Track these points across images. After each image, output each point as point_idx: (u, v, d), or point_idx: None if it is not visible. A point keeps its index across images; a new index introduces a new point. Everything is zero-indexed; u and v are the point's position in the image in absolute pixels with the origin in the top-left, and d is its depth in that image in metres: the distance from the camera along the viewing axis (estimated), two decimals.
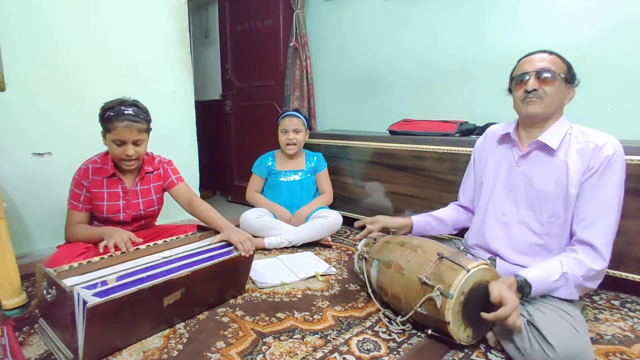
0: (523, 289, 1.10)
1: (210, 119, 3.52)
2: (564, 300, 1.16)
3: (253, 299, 1.52)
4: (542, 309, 1.12)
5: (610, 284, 1.55)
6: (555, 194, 1.22)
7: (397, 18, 2.51)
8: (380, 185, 2.26)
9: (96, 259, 1.30)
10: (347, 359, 1.15)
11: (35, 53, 1.84)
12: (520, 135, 1.34)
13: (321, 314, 1.41)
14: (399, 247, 1.35)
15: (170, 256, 1.37)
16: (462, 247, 1.36)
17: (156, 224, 1.84)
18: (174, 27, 2.33)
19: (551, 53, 1.24)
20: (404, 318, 1.26)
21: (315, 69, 2.95)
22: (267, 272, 1.73)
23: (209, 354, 1.16)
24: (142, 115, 1.52)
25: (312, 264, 1.83)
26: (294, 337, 1.26)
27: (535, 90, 1.21)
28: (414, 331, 1.29)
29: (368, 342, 1.23)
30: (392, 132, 2.27)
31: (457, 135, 2.02)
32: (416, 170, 2.08)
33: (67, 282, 1.12)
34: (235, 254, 1.43)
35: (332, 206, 2.36)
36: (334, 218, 2.15)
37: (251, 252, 1.45)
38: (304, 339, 1.24)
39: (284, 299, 1.52)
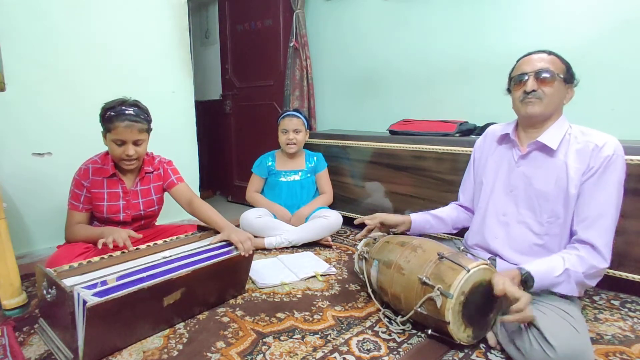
0: (526, 283, 1.10)
1: (210, 119, 3.52)
2: (564, 300, 1.16)
3: (253, 299, 1.52)
4: (542, 309, 1.12)
5: (610, 284, 1.55)
6: (555, 194, 1.22)
7: (397, 18, 2.51)
8: (380, 185, 2.26)
9: (96, 259, 1.30)
10: (347, 359, 1.15)
11: (35, 53, 1.84)
12: (519, 136, 1.34)
13: (321, 314, 1.41)
14: (399, 247, 1.35)
15: (170, 256, 1.37)
16: (462, 247, 1.37)
17: (156, 224, 1.84)
18: (174, 27, 2.33)
19: (550, 53, 1.24)
20: (404, 318, 1.26)
21: (315, 69, 2.95)
22: (267, 272, 1.73)
23: (209, 354, 1.16)
24: (142, 115, 1.52)
25: (312, 264, 1.83)
26: (294, 337, 1.26)
27: (534, 90, 1.20)
28: (414, 331, 1.28)
29: (368, 342, 1.23)
30: (392, 132, 2.27)
31: (457, 135, 2.02)
32: (416, 170, 2.08)
33: (67, 282, 1.12)
34: (235, 253, 1.43)
35: (332, 206, 2.36)
36: (334, 218, 2.15)
37: (251, 252, 1.45)
38: (304, 339, 1.24)
39: (284, 299, 1.52)
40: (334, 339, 1.25)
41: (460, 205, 1.59)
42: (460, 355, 1.17)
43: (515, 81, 1.27)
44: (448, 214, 1.58)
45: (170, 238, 1.53)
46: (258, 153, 2.42)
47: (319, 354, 1.16)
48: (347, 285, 1.65)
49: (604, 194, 1.15)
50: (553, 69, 1.20)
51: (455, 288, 1.09)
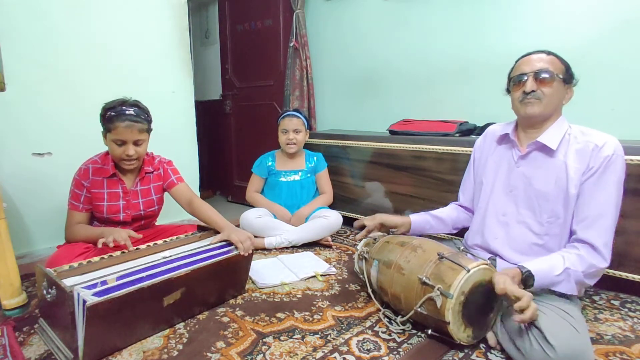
0: (527, 281, 1.10)
1: (210, 119, 3.52)
2: (564, 300, 1.16)
3: (253, 299, 1.52)
4: (542, 308, 1.12)
5: (610, 284, 1.55)
6: (555, 194, 1.22)
7: (397, 18, 2.51)
8: (380, 185, 2.26)
9: (96, 259, 1.30)
10: (347, 359, 1.15)
11: (35, 53, 1.84)
12: (519, 136, 1.34)
13: (321, 314, 1.41)
14: (399, 247, 1.35)
15: (170, 256, 1.37)
16: (462, 247, 1.36)
17: (156, 224, 1.84)
18: (174, 27, 2.33)
19: (549, 53, 1.24)
20: (404, 318, 1.26)
21: (315, 69, 2.95)
22: (267, 272, 1.73)
23: (209, 354, 1.16)
24: (143, 115, 1.52)
25: (312, 264, 1.83)
26: (294, 337, 1.26)
27: (533, 91, 1.20)
28: (414, 331, 1.29)
29: (368, 342, 1.23)
30: (392, 132, 2.27)
31: (457, 135, 2.02)
32: (416, 170, 2.08)
33: (67, 282, 1.12)
34: (234, 253, 1.43)
35: (332, 206, 2.36)
36: (334, 218, 2.15)
37: (250, 251, 1.45)
38: (304, 339, 1.24)
39: (284, 299, 1.52)
40: (334, 339, 1.25)
41: (460, 206, 1.59)
42: (460, 355, 1.17)
43: (514, 81, 1.27)
44: (448, 214, 1.58)
45: (170, 238, 1.53)
46: (258, 153, 2.42)
47: (319, 354, 1.16)
48: (347, 285, 1.65)
49: (603, 194, 1.15)
50: (552, 69, 1.20)
51: (455, 288, 1.09)
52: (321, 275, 1.73)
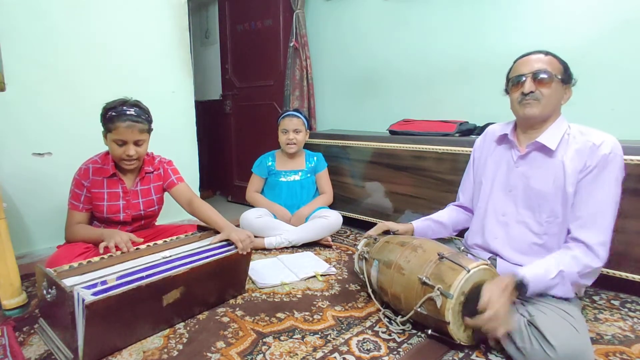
0: (520, 289, 1.09)
1: (210, 119, 3.52)
2: (564, 300, 1.16)
3: (253, 299, 1.52)
4: (542, 308, 1.12)
5: (610, 284, 1.56)
6: (554, 194, 1.22)
7: (397, 18, 2.51)
8: (380, 185, 2.26)
9: (96, 259, 1.30)
10: (347, 359, 1.15)
11: (35, 53, 1.84)
12: (518, 136, 1.33)
13: (321, 314, 1.41)
14: (399, 247, 1.35)
15: (170, 256, 1.37)
16: (462, 247, 1.37)
17: (156, 224, 1.84)
18: (174, 27, 2.33)
19: (547, 53, 1.23)
20: (404, 318, 1.26)
21: (315, 69, 2.95)
22: (267, 272, 1.73)
23: (209, 354, 1.16)
24: (143, 115, 1.52)
25: (312, 264, 1.83)
26: (294, 337, 1.26)
27: (532, 92, 1.20)
28: (414, 331, 1.29)
29: (368, 342, 1.23)
30: (392, 132, 2.27)
31: (457, 135, 2.02)
32: (416, 170, 2.08)
33: (67, 282, 1.12)
34: (233, 251, 1.43)
35: (332, 206, 2.36)
36: (334, 218, 2.15)
37: (248, 250, 1.45)
38: (304, 339, 1.24)
39: (284, 299, 1.52)
40: (334, 339, 1.25)
41: (460, 206, 1.59)
42: (460, 355, 1.17)
43: (512, 82, 1.26)
44: (448, 217, 1.57)
45: (170, 238, 1.53)
46: (258, 153, 2.42)
47: (319, 354, 1.16)
48: (347, 285, 1.65)
49: (601, 193, 1.15)
50: (551, 69, 1.19)
51: (455, 288, 1.09)
52: (321, 275, 1.73)
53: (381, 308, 1.40)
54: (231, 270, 1.47)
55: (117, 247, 1.37)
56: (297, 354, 1.16)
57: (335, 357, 1.15)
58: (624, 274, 1.51)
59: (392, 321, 1.33)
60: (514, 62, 1.29)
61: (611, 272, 1.52)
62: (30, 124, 1.85)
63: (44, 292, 1.15)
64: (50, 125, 1.91)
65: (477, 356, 1.17)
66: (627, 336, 1.27)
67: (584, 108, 1.64)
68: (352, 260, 1.76)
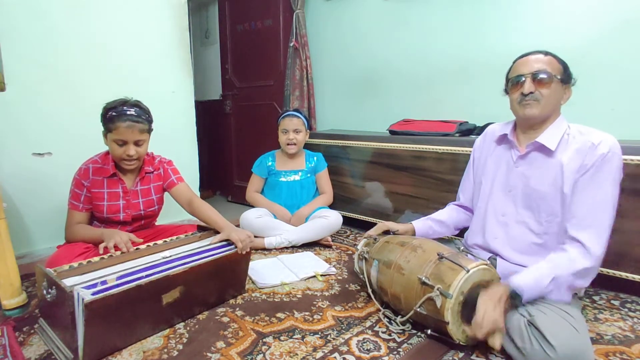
0: (515, 298, 1.09)
1: (210, 119, 3.52)
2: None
3: (253, 299, 1.52)
4: (542, 308, 1.12)
5: (610, 284, 1.56)
6: (553, 194, 1.22)
7: (397, 18, 2.51)
8: (380, 185, 2.26)
9: (96, 259, 1.30)
10: (347, 359, 1.15)
11: (35, 53, 1.84)
12: (518, 136, 1.33)
13: (321, 314, 1.41)
14: (399, 247, 1.35)
15: (170, 256, 1.37)
16: (462, 247, 1.37)
17: (156, 224, 1.84)
18: (174, 27, 2.33)
19: (547, 54, 1.23)
20: (404, 318, 1.26)
21: (315, 69, 2.95)
22: (267, 272, 1.73)
23: (209, 354, 1.16)
24: (144, 115, 1.52)
25: (312, 264, 1.83)
26: (294, 337, 1.26)
27: (531, 92, 1.20)
28: (414, 331, 1.29)
29: (368, 342, 1.23)
30: (392, 132, 2.27)
31: (457, 135, 2.02)
32: (416, 170, 2.08)
33: (67, 282, 1.12)
34: (232, 251, 1.43)
35: (332, 206, 2.36)
36: (334, 218, 2.15)
37: (247, 249, 1.45)
38: (304, 339, 1.24)
39: (284, 299, 1.52)
40: (334, 339, 1.25)
41: (459, 206, 1.59)
42: (460, 355, 1.17)
43: (512, 83, 1.26)
44: (448, 216, 1.57)
45: (170, 238, 1.53)
46: (258, 153, 2.42)
47: (319, 354, 1.16)
48: (347, 285, 1.65)
49: (599, 192, 1.14)
50: (550, 70, 1.19)
51: (454, 288, 1.09)
52: (321, 275, 1.73)
53: (381, 308, 1.41)
54: (231, 270, 1.47)
55: (116, 247, 1.37)
56: (297, 354, 1.16)
57: (335, 357, 1.15)
58: (623, 274, 1.51)
59: (392, 321, 1.33)
60: (514, 62, 1.29)
61: (611, 272, 1.52)
62: (30, 124, 1.85)
63: (44, 292, 1.15)
64: (50, 125, 1.91)
65: (477, 356, 1.17)
66: (627, 336, 1.27)
67: (584, 108, 1.64)
68: (352, 260, 1.76)
